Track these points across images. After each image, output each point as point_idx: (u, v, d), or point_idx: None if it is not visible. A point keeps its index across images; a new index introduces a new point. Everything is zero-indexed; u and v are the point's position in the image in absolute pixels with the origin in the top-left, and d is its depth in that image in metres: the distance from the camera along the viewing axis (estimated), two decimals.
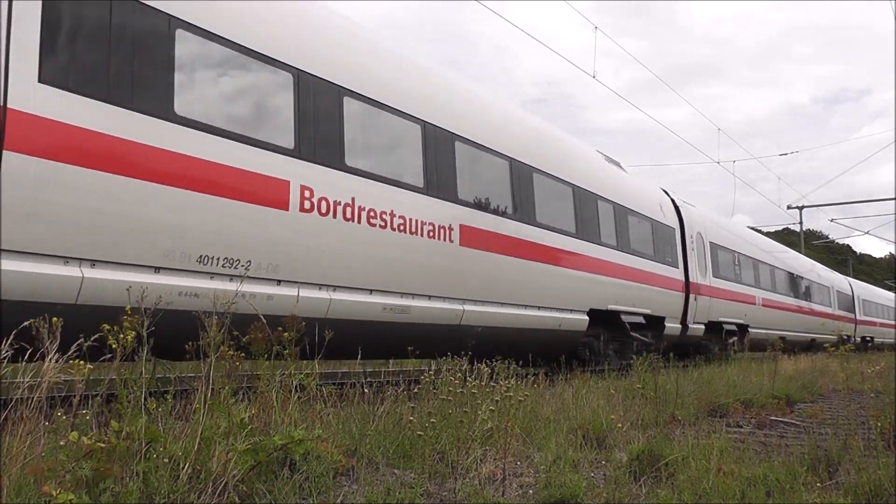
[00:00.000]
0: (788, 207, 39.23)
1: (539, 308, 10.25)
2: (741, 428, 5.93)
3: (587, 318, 11.49)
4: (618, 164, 14.31)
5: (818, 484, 3.58)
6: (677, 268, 15.28)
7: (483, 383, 4.58)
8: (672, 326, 14.88)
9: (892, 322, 40.55)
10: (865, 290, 37.22)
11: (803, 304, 25.45)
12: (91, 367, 3.14)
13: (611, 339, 12.64)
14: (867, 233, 54.77)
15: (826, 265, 36.09)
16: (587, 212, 11.79)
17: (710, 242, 17.39)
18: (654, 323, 14.10)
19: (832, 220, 57.32)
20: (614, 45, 46.61)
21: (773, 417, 6.48)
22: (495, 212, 9.41)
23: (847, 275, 40.31)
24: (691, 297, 15.75)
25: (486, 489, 3.40)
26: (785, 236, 47.29)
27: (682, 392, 6.84)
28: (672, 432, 5.06)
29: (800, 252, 32.07)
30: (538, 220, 10.24)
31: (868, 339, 33.70)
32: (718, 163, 28.24)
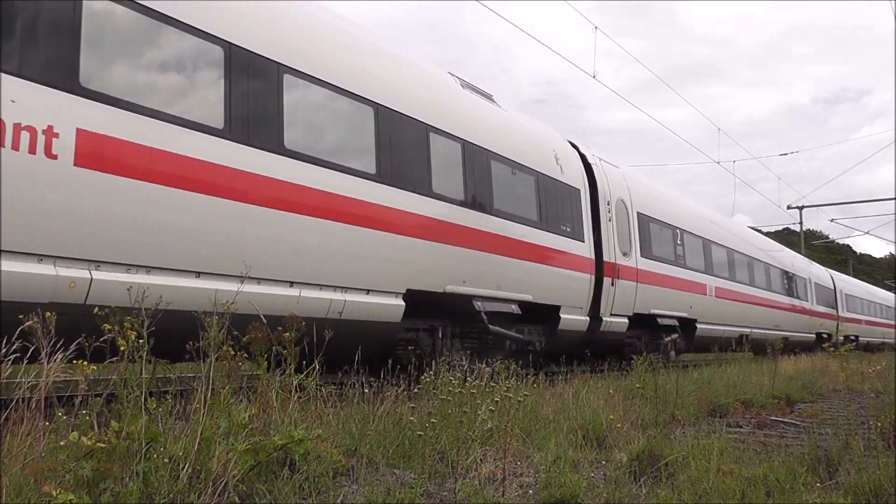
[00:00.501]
0: (788, 207, 39.19)
1: (290, 284, 6.66)
2: (741, 428, 5.93)
3: (402, 303, 7.95)
4: (488, 97, 10.71)
5: (818, 484, 3.58)
6: (582, 241, 11.62)
7: (483, 383, 4.59)
8: (573, 319, 11.33)
9: (880, 320, 37.77)
10: (850, 285, 34.06)
11: (771, 296, 21.57)
12: (94, 367, 3.14)
13: (460, 335, 9.25)
14: (867, 233, 54.84)
15: (826, 265, 35.09)
16: (406, 148, 8.26)
17: (639, 213, 13.65)
18: (544, 314, 10.75)
19: (832, 220, 57.30)
20: (614, 45, 46.59)
21: (773, 417, 6.49)
22: (186, 123, 5.93)
23: (848, 275, 39.89)
24: (606, 281, 12.16)
25: (486, 489, 3.40)
26: (785, 236, 47.31)
27: (681, 392, 6.84)
28: (672, 432, 5.06)
29: (800, 252, 31.60)
30: (288, 148, 6.74)
31: (852, 338, 30.34)
32: (718, 163, 28.09)
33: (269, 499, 2.95)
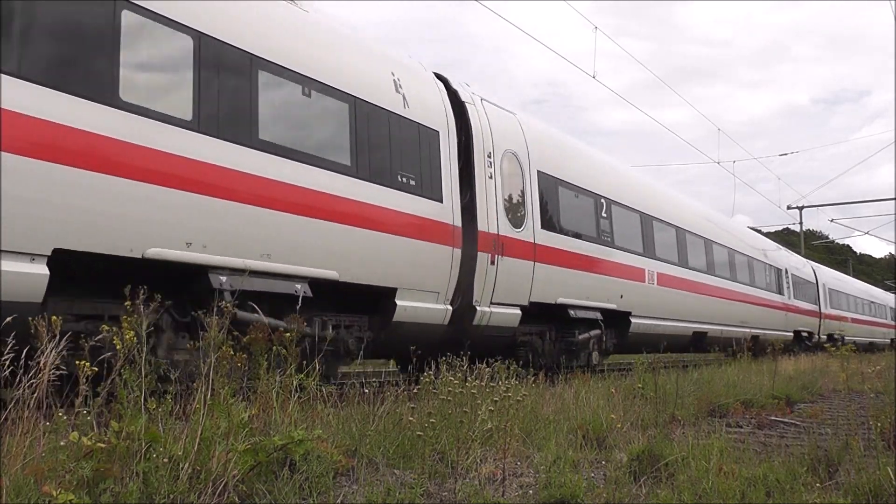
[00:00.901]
0: (788, 207, 39.16)
1: None
2: (741, 428, 5.94)
3: (43, 270, 5.05)
4: None
5: (818, 484, 3.59)
6: (439, 202, 8.62)
7: (483, 383, 4.59)
8: (421, 308, 8.33)
9: (869, 318, 35.03)
10: (834, 279, 31.08)
11: (737, 287, 18.44)
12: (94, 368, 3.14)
13: (187, 326, 6.14)
14: (867, 233, 54.78)
15: (826, 265, 34.35)
16: (70, 35, 5.39)
17: (542, 174, 10.57)
18: (376, 300, 7.94)
19: (832, 221, 57.26)
20: (615, 45, 46.57)
21: (773, 417, 6.49)
22: None
23: (848, 275, 39.57)
24: (483, 257, 9.15)
25: (486, 489, 3.40)
26: (785, 236, 47.33)
27: (681, 392, 6.84)
28: (672, 432, 5.06)
29: (799, 253, 31.00)
30: None
31: (837, 336, 27.14)
32: (718, 163, 27.95)
33: (269, 499, 2.95)
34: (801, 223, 40.02)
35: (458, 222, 8.89)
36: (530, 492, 3.48)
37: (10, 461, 2.78)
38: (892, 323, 40.53)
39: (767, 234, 31.95)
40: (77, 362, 3.12)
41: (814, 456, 4.10)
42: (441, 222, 8.61)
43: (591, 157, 13.45)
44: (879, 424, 4.71)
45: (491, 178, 9.51)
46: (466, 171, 9.22)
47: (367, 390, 5.11)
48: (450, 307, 8.79)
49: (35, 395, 3.02)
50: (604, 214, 12.26)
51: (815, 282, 26.99)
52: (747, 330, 18.31)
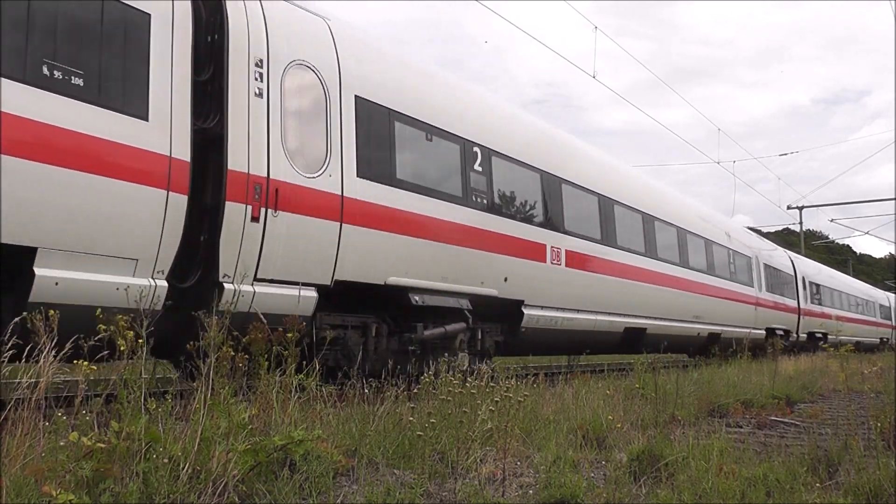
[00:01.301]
0: (788, 207, 39.24)
1: None
2: (741, 428, 5.94)
3: None
4: None
5: (818, 484, 3.59)
6: (140, 117, 5.72)
7: (483, 383, 4.59)
8: (102, 284, 5.36)
9: (857, 316, 32.21)
10: (817, 272, 27.77)
11: (687, 274, 15.04)
12: (93, 367, 3.15)
13: None
14: (867, 233, 54.87)
15: (826, 265, 33.70)
16: None
17: (361, 99, 7.63)
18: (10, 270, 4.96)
19: (832, 220, 57.50)
20: (615, 45, 46.59)
21: (773, 417, 6.49)
22: None
23: (848, 274, 39.29)
24: (235, 209, 6.22)
25: (486, 489, 3.40)
26: (785, 236, 47.32)
27: (681, 392, 6.84)
28: (672, 432, 5.06)
29: (800, 253, 30.74)
30: None
31: (819, 335, 24.33)
32: (718, 163, 28.04)
33: (269, 499, 2.95)
34: (801, 223, 40.08)
35: (185, 155, 5.99)
36: (530, 492, 3.48)
37: (10, 461, 2.78)
38: (884, 321, 39.54)
39: (767, 235, 31.66)
40: (75, 362, 3.12)
41: (814, 456, 4.11)
42: (141, 150, 5.73)
43: (463, 91, 10.01)
44: (879, 424, 4.71)
45: (260, 96, 6.68)
46: (211, 82, 6.48)
47: (366, 390, 5.12)
48: (164, 283, 5.84)
49: (35, 395, 3.02)
50: (477, 168, 9.21)
51: (793, 274, 23.88)
52: (703, 326, 15.74)
